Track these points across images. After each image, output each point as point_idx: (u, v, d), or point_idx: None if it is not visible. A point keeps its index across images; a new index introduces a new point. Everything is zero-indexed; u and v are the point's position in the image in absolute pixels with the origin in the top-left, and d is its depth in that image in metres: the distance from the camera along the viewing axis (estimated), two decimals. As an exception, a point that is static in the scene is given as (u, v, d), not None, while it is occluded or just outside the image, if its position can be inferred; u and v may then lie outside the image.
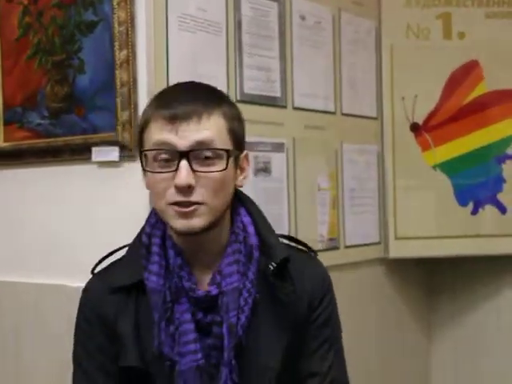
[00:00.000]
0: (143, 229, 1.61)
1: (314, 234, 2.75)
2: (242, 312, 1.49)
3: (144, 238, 1.57)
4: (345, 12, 2.93)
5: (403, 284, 3.28)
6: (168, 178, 1.45)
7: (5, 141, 2.45)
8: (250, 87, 2.46)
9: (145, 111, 1.54)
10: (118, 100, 2.15)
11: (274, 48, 2.58)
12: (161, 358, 1.49)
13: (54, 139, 2.32)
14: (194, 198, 1.45)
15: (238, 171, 1.57)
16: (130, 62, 2.13)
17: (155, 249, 1.54)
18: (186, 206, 1.45)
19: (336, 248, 2.86)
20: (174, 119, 1.45)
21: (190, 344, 1.48)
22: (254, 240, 1.57)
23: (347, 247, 2.93)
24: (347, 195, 2.94)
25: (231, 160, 1.49)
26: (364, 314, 3.03)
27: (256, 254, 1.55)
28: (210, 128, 1.46)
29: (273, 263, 1.53)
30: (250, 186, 2.41)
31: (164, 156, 1.46)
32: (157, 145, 1.46)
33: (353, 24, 2.99)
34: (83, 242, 2.25)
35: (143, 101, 2.12)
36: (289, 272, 1.57)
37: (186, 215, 1.46)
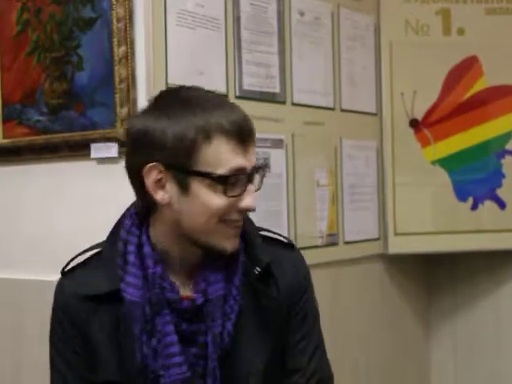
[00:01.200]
0: (115, 233, 1.54)
1: (313, 230, 2.75)
2: (228, 319, 1.45)
3: (120, 246, 1.48)
4: (344, 8, 2.93)
5: (402, 280, 3.28)
6: (234, 200, 1.41)
7: (4, 137, 2.45)
8: (249, 83, 2.46)
9: (198, 122, 1.38)
10: (117, 96, 2.15)
11: (273, 44, 2.58)
12: (143, 371, 1.43)
13: (52, 136, 2.32)
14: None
15: None
16: (129, 58, 2.13)
17: (131, 258, 1.45)
18: (238, 227, 1.44)
19: (335, 244, 2.86)
20: (243, 141, 1.40)
21: (174, 357, 1.42)
22: (240, 246, 1.50)
23: (346, 243, 2.93)
24: (346, 191, 2.94)
25: None
26: (363, 310, 3.03)
27: (241, 258, 1.49)
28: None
29: (257, 268, 1.49)
30: (249, 182, 2.42)
31: (234, 180, 1.39)
32: (235, 170, 1.39)
33: (352, 20, 2.98)
34: (83, 239, 2.24)
35: (142, 97, 2.13)
36: (273, 275, 1.52)
37: (236, 234, 1.44)
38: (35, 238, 2.38)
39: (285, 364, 1.54)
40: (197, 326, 1.44)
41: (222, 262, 1.46)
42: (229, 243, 1.43)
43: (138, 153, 1.42)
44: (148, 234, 1.48)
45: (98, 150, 2.20)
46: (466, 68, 3.19)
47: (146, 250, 1.45)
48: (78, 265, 1.56)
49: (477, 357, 3.35)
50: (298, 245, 2.62)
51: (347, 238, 2.93)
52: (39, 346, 2.32)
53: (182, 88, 1.50)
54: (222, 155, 1.38)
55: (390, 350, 3.19)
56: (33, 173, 2.39)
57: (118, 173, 2.17)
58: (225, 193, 1.38)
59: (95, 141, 2.20)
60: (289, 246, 1.63)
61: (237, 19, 2.42)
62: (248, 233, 1.53)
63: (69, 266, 1.56)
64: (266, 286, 1.51)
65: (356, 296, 2.98)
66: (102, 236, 2.12)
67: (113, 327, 1.45)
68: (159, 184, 1.41)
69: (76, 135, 2.25)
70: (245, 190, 1.41)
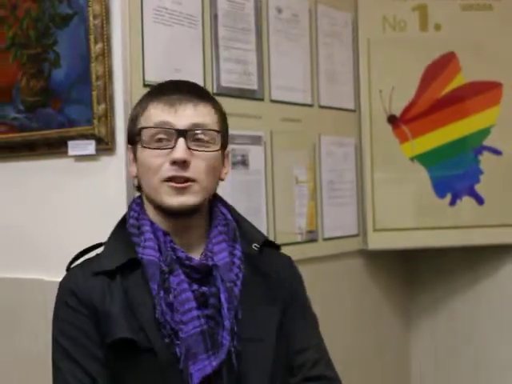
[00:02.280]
0: (126, 217, 1.68)
1: (292, 226, 2.75)
2: (235, 285, 1.57)
3: (132, 221, 1.63)
4: (321, 4, 2.93)
5: (382, 275, 3.29)
6: (164, 155, 1.55)
7: (-20, 136, 2.43)
8: (227, 80, 2.46)
9: (139, 103, 1.66)
10: (94, 93, 2.14)
11: (251, 41, 2.58)
12: (161, 326, 1.52)
13: (29, 133, 2.30)
14: (188, 174, 1.55)
15: (222, 165, 1.67)
16: (106, 55, 2.12)
17: (147, 228, 1.60)
18: (180, 182, 1.55)
19: (314, 240, 2.87)
20: (173, 103, 1.57)
21: (192, 311, 1.52)
22: (234, 224, 1.67)
23: (326, 239, 2.93)
24: (325, 187, 2.94)
25: (220, 144, 1.62)
26: (343, 306, 3.04)
27: (237, 233, 1.65)
28: (205, 114, 1.60)
29: (256, 244, 1.66)
30: (228, 178, 2.40)
31: (162, 136, 1.56)
32: (157, 124, 1.57)
33: (329, 16, 2.99)
34: (61, 237, 2.24)
35: (119, 94, 2.12)
36: (268, 255, 1.72)
37: (180, 191, 1.55)
38: (13, 236, 2.37)
39: (295, 343, 1.69)
40: (207, 287, 1.56)
41: (221, 238, 1.63)
42: (172, 200, 1.56)
43: None
44: None
45: (75, 147, 2.19)
46: (444, 64, 3.20)
47: (155, 226, 1.61)
48: (85, 260, 1.69)
49: (457, 351, 3.37)
50: (278, 241, 2.63)
51: (326, 235, 2.93)
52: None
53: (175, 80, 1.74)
54: (150, 115, 1.59)
55: (370, 346, 3.20)
56: (10, 171, 2.38)
57: (96, 170, 2.19)
58: (142, 144, 1.58)
59: (72, 138, 2.19)
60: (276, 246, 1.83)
61: (214, 16, 2.42)
62: (239, 220, 1.70)
63: (75, 263, 1.69)
64: (265, 262, 1.68)
65: (336, 292, 2.99)
66: (80, 233, 2.13)
67: (125, 297, 1.56)
68: (133, 162, 1.65)
69: (53, 133, 2.24)
70: (175, 145, 1.55)
